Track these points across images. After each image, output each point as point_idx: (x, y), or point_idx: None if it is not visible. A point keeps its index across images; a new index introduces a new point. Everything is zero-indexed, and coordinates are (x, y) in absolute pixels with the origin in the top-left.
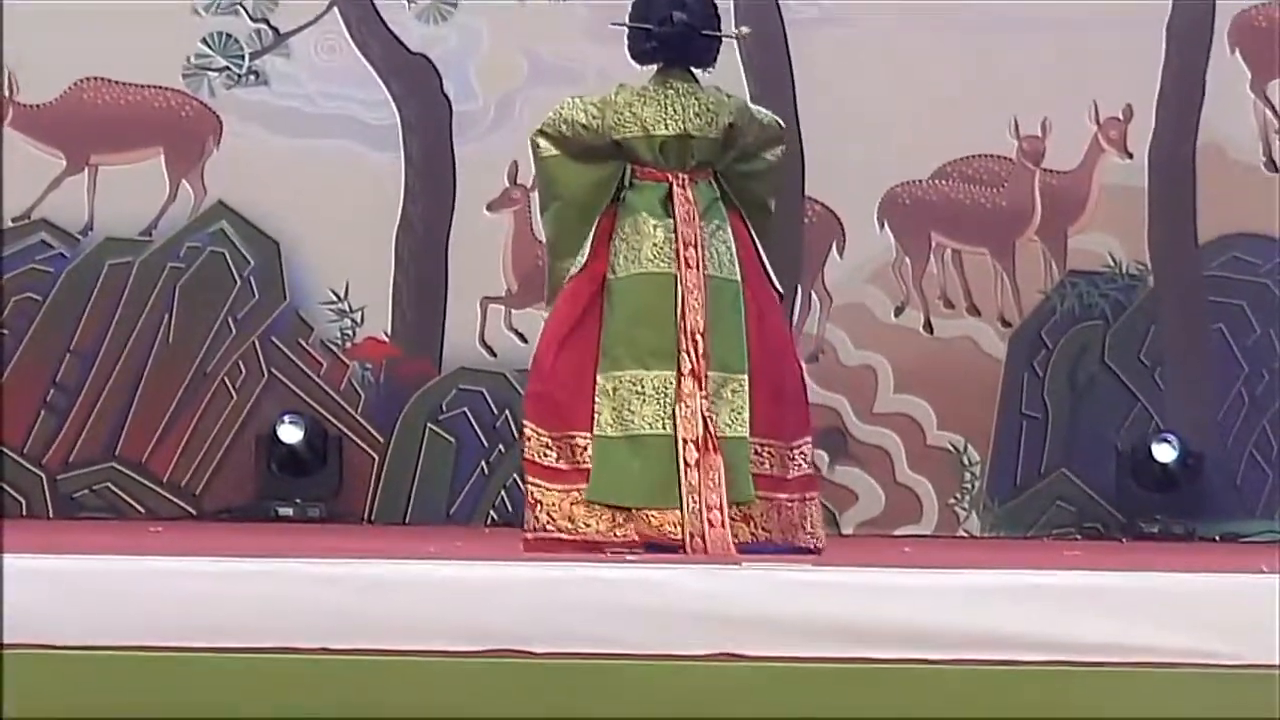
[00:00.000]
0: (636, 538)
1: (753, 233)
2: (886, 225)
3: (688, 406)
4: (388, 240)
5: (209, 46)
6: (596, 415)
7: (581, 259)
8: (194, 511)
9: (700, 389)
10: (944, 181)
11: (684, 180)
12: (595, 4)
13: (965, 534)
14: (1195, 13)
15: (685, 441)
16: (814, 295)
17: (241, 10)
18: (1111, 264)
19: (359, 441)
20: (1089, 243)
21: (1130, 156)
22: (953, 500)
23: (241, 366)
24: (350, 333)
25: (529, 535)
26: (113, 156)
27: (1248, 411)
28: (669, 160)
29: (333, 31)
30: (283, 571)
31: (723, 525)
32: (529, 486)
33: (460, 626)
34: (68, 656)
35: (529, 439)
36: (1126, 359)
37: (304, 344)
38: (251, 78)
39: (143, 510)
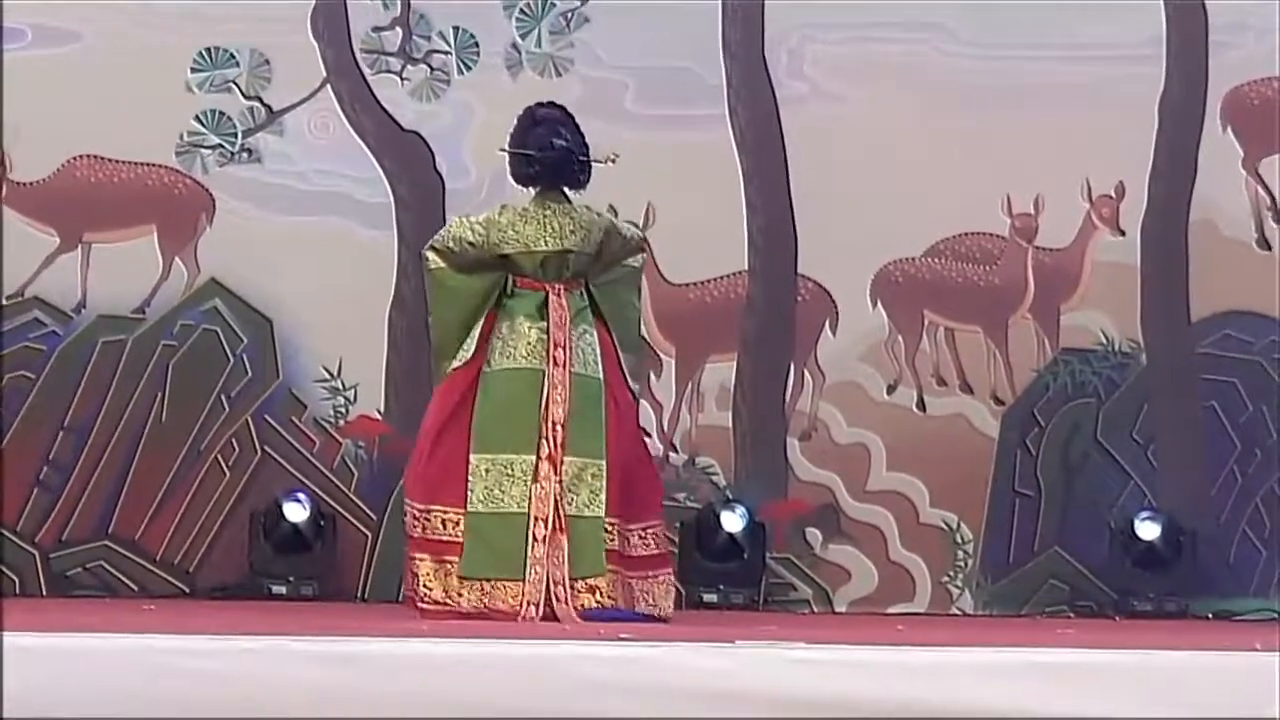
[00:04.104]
0: (489, 607)
1: (615, 341)
2: (879, 303)
3: (542, 488)
4: (381, 318)
5: (202, 124)
6: (470, 493)
7: (466, 354)
8: (187, 589)
9: (555, 473)
10: (937, 259)
11: (559, 290)
12: (588, 78)
13: (958, 612)
14: (1187, 90)
15: (536, 519)
16: (806, 373)
17: (234, 88)
18: (1104, 341)
19: (352, 519)
20: (1081, 320)
21: (1123, 234)
22: (946, 578)
23: (235, 444)
24: (343, 410)
25: (422, 605)
26: (106, 234)
27: (1240, 489)
28: (547, 272)
29: (326, 109)
30: (276, 649)
31: (567, 601)
32: (410, 558)
33: (455, 704)
34: None
35: (409, 515)
36: (1119, 437)
37: (297, 422)
38: (244, 155)
39: (136, 588)
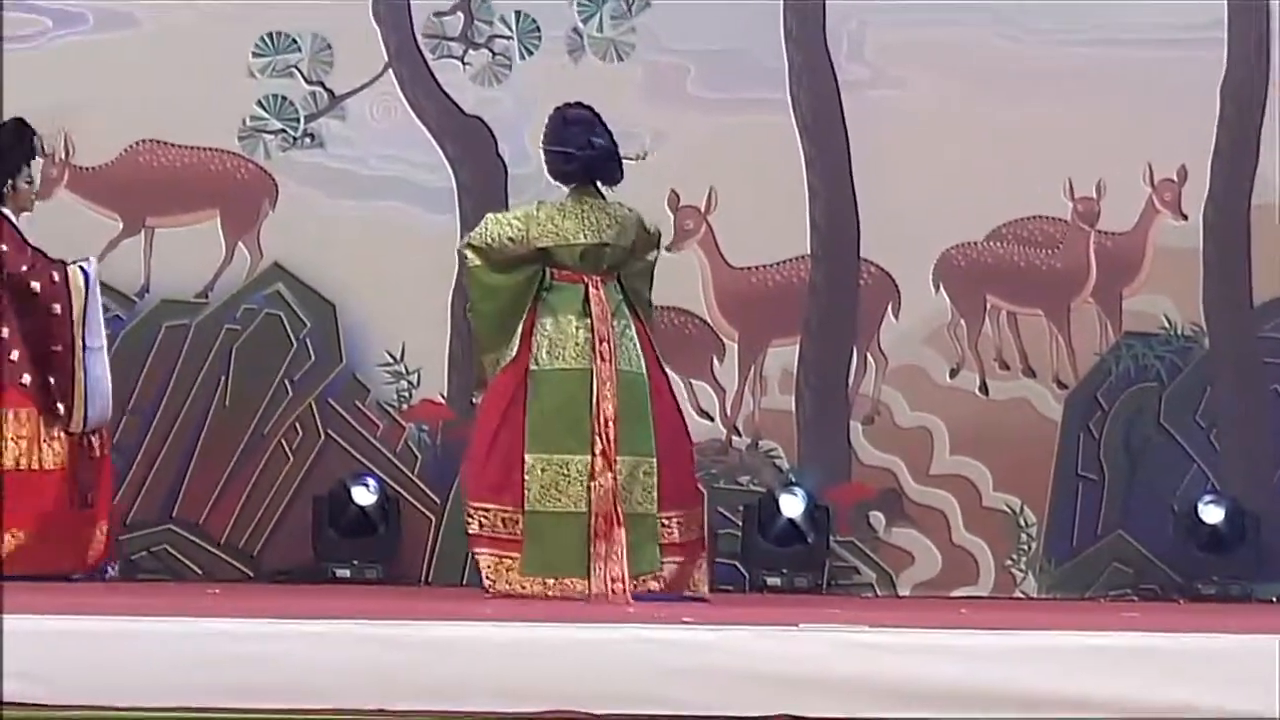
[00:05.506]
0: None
1: (648, 329)
2: (942, 287)
3: (600, 485)
4: (444, 302)
5: (264, 109)
6: (526, 491)
7: (511, 352)
8: (251, 573)
9: (610, 469)
10: (999, 243)
11: (597, 282)
12: (650, 63)
13: (1022, 595)
14: (1249, 74)
15: (596, 515)
16: (869, 357)
17: (297, 73)
18: (1166, 325)
19: (416, 503)
20: (1144, 304)
21: (1185, 218)
22: (1009, 561)
23: (298, 428)
24: (407, 394)
25: (489, 597)
26: (169, 219)
27: None
28: (586, 265)
29: (388, 94)
30: (340, 633)
31: (624, 593)
32: (475, 555)
33: (518, 688)
34: (124, 718)
35: (470, 514)
36: (1182, 420)
37: (361, 406)
38: (307, 140)
39: (200, 572)
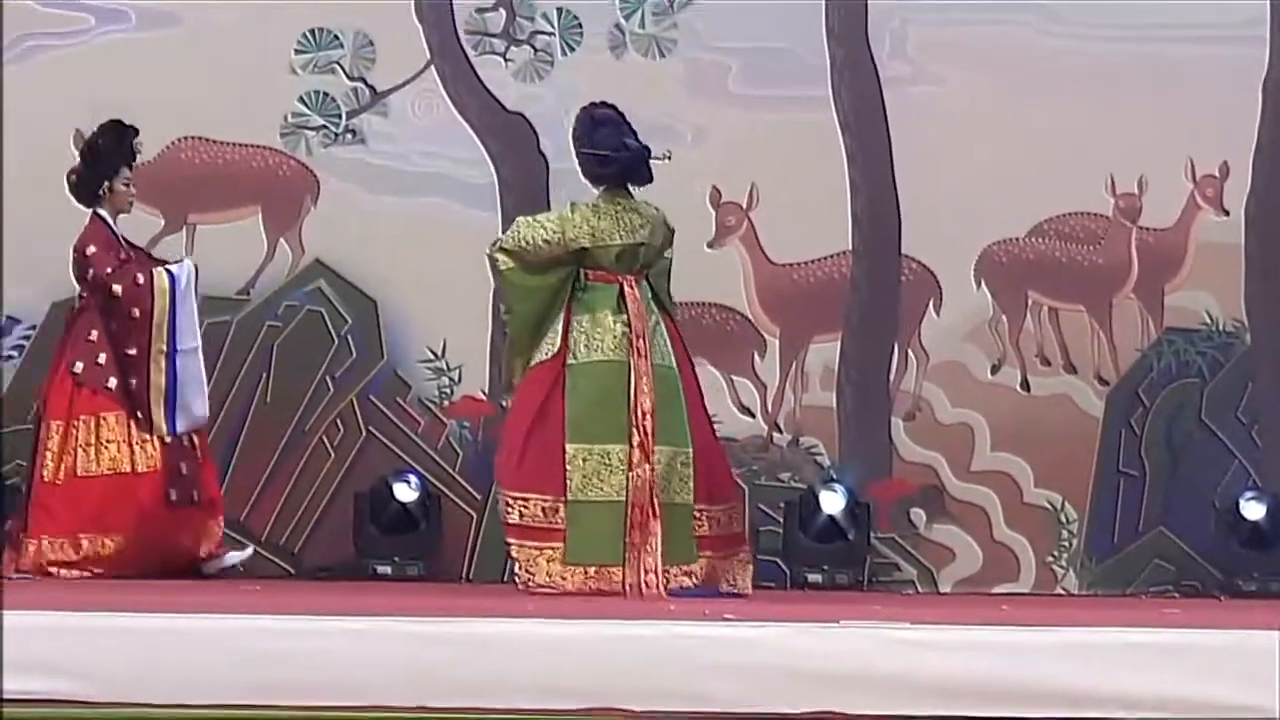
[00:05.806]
0: (597, 590)
1: (677, 326)
2: (983, 283)
3: (638, 476)
4: (485, 298)
5: (306, 105)
6: (568, 481)
7: (553, 347)
8: (292, 570)
9: (647, 460)
10: (1041, 239)
11: (631, 281)
12: (691, 60)
13: (1063, 592)
14: None
15: (633, 506)
16: (910, 353)
17: (339, 69)
18: (1208, 321)
19: (457, 500)
20: (1185, 300)
21: (1227, 214)
22: (1050, 558)
23: (340, 425)
24: (448, 391)
25: (530, 589)
26: (210, 215)
27: None
28: (621, 265)
29: (430, 90)
30: (381, 630)
31: (658, 586)
32: (510, 545)
33: (559, 685)
34: (166, 716)
35: (504, 503)
36: (1223, 416)
37: (402, 402)
38: (349, 136)
39: (241, 569)
